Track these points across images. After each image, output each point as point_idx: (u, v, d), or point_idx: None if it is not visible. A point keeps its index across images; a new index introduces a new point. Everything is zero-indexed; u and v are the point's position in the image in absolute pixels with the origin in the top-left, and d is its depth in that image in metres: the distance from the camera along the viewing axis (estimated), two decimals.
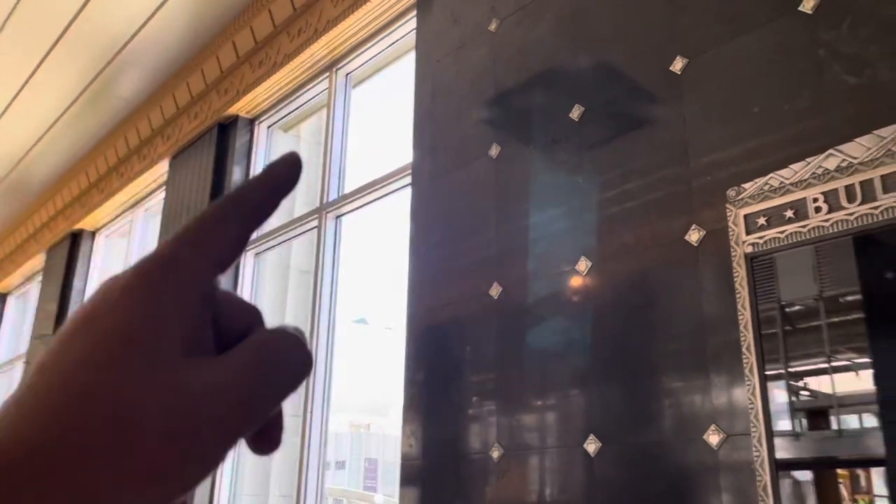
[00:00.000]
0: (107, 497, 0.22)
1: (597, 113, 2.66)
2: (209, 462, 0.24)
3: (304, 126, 4.97)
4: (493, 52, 3.16)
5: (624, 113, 2.57)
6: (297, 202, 4.70)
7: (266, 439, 0.27)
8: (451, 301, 2.99)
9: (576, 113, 2.71)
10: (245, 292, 4.42)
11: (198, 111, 5.31)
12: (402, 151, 3.63)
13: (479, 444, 2.70)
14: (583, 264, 2.53)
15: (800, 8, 2.12)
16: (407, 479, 2.92)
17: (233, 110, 4.94)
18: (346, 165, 4.21)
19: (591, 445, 2.33)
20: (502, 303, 2.77)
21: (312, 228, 4.24)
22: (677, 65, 2.41)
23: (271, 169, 0.29)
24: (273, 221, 4.65)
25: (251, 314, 0.29)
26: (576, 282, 2.54)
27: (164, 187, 5.57)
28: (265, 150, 4.89)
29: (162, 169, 5.73)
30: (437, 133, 3.34)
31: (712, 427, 2.05)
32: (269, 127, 4.96)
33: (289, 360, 0.26)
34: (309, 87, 4.58)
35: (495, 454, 2.63)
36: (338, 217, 4.12)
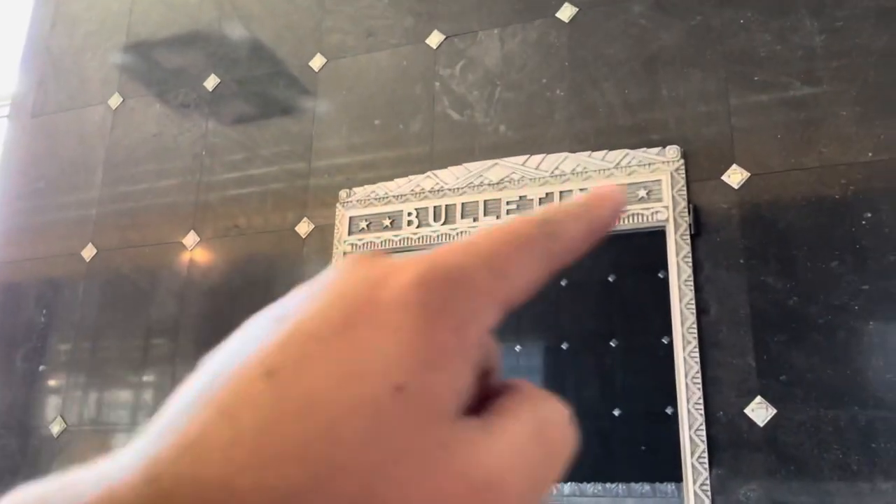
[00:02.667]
0: None
1: (233, 88, 2.61)
2: None
3: None
4: None
5: (260, 95, 2.57)
6: None
7: None
8: (34, 257, 2.66)
9: (211, 83, 2.62)
10: None
11: None
12: (2, 77, 3.12)
13: (48, 416, 2.43)
14: (190, 239, 2.45)
15: (427, 41, 2.35)
16: None
17: None
18: None
19: None
20: (95, 267, 2.55)
21: None
22: (317, 62, 2.49)
23: (593, 204, 0.22)
24: None
25: (492, 352, 0.21)
26: (181, 256, 2.45)
27: None
28: None
29: None
30: (50, 66, 2.95)
31: None
32: None
33: (563, 441, 0.20)
34: None
35: (56, 429, 2.40)
36: None
